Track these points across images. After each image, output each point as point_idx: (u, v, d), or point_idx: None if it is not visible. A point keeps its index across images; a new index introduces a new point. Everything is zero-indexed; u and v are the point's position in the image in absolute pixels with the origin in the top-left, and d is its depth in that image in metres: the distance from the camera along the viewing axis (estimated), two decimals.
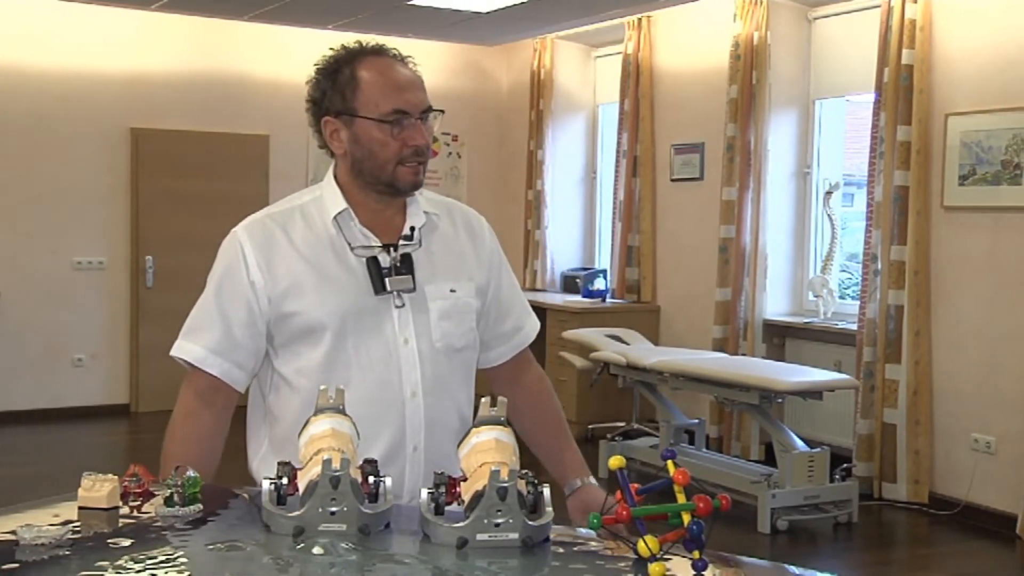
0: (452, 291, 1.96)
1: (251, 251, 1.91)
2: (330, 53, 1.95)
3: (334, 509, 1.46)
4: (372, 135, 1.88)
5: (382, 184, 1.91)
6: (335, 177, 1.97)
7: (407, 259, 1.91)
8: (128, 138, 7.68)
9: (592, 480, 2.06)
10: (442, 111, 1.94)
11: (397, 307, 1.91)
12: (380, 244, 1.91)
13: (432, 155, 1.97)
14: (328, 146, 1.95)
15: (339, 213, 1.92)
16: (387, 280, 1.89)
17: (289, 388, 1.93)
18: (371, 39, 1.99)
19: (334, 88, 1.90)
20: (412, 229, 1.94)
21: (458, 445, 1.60)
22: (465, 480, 1.54)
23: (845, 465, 5.49)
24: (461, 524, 1.46)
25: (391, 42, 2.05)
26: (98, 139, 7.60)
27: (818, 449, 5.23)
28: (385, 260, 1.90)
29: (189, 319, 1.97)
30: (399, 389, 1.90)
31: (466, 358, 2.01)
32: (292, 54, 8.13)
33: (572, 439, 2.12)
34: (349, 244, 1.91)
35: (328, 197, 1.95)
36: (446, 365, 1.95)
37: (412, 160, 1.89)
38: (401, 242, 1.93)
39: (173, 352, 1.94)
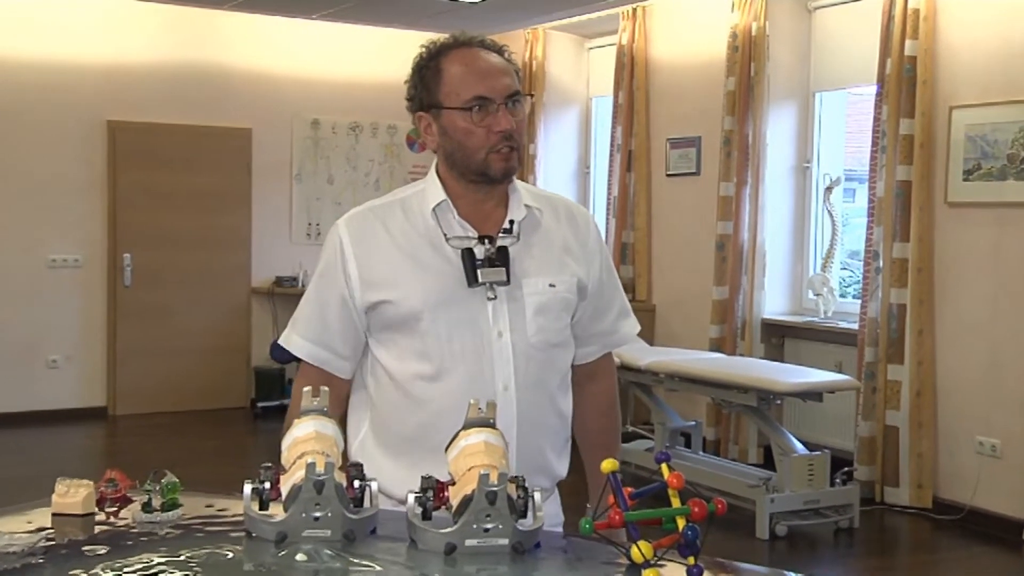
0: (551, 286, 2.00)
1: (349, 243, 1.99)
2: (422, 50, 2.01)
3: (318, 514, 1.46)
4: (457, 125, 1.94)
5: (474, 174, 1.96)
6: (436, 171, 2.02)
7: (503, 252, 1.95)
8: (105, 131, 7.66)
9: None
10: (531, 95, 1.99)
11: (489, 299, 1.94)
12: (476, 236, 1.96)
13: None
14: (425, 141, 2.02)
15: (438, 205, 1.98)
16: (479, 272, 1.93)
17: (387, 375, 2.00)
18: (459, 33, 2.02)
19: (422, 83, 1.98)
20: (511, 223, 1.98)
21: (446, 448, 1.61)
22: (453, 484, 1.54)
23: (846, 469, 5.49)
24: (449, 529, 1.46)
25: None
26: (73, 132, 7.58)
27: (818, 452, 5.24)
28: (480, 252, 1.94)
29: (296, 311, 2.08)
30: (491, 382, 1.93)
31: (563, 354, 2.04)
32: (275, 45, 8.13)
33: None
34: (445, 235, 1.96)
35: (430, 190, 2.01)
36: (542, 361, 1.98)
37: (502, 146, 1.93)
38: (499, 235, 1.97)
39: (280, 341, 2.09)
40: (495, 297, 1.95)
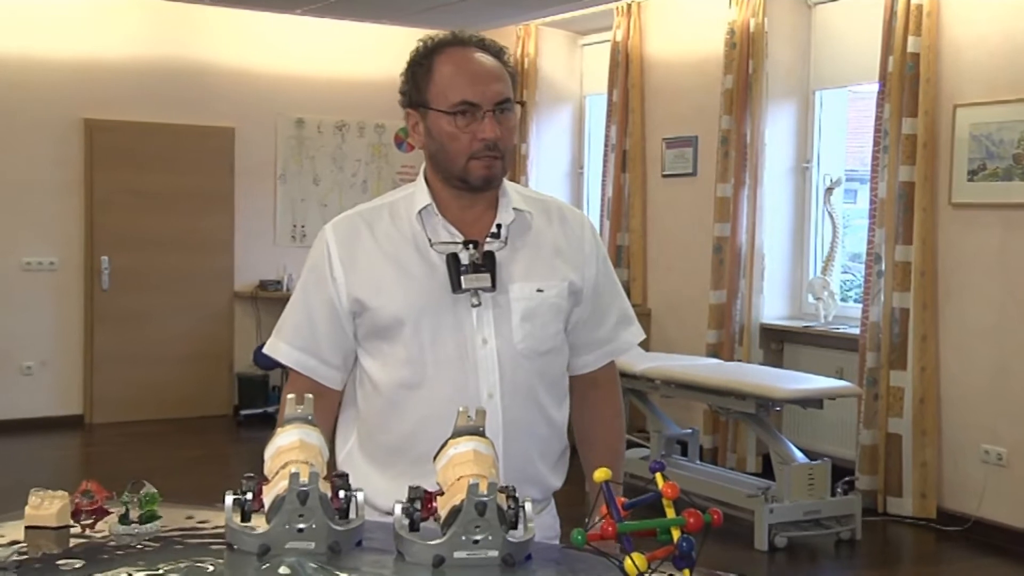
0: (539, 291, 1.99)
1: (335, 247, 2.00)
2: (419, 45, 2.01)
3: (302, 526, 1.46)
4: (442, 128, 1.94)
5: (456, 179, 1.96)
6: (424, 174, 2.04)
7: (489, 257, 1.95)
8: (81, 130, 7.65)
9: None
10: (522, 102, 2.02)
11: (474, 306, 1.94)
12: (462, 240, 1.96)
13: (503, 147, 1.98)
14: (413, 140, 2.04)
15: (423, 208, 1.98)
16: (463, 278, 1.93)
17: (372, 385, 2.01)
18: (454, 30, 2.03)
19: (413, 80, 1.99)
20: (499, 227, 1.99)
21: (434, 457, 1.60)
22: (442, 494, 1.54)
23: (847, 478, 5.51)
24: (437, 541, 1.46)
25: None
26: (49, 131, 7.56)
27: (819, 461, 5.25)
28: (465, 257, 1.95)
29: (280, 317, 2.09)
30: (475, 390, 1.94)
31: (553, 362, 2.04)
32: (259, 41, 8.12)
33: (618, 474, 2.12)
34: (430, 240, 1.97)
35: (417, 193, 2.02)
36: (529, 368, 1.98)
37: (483, 154, 1.93)
38: (486, 239, 1.97)
39: (265, 350, 2.08)
40: (479, 304, 1.95)
